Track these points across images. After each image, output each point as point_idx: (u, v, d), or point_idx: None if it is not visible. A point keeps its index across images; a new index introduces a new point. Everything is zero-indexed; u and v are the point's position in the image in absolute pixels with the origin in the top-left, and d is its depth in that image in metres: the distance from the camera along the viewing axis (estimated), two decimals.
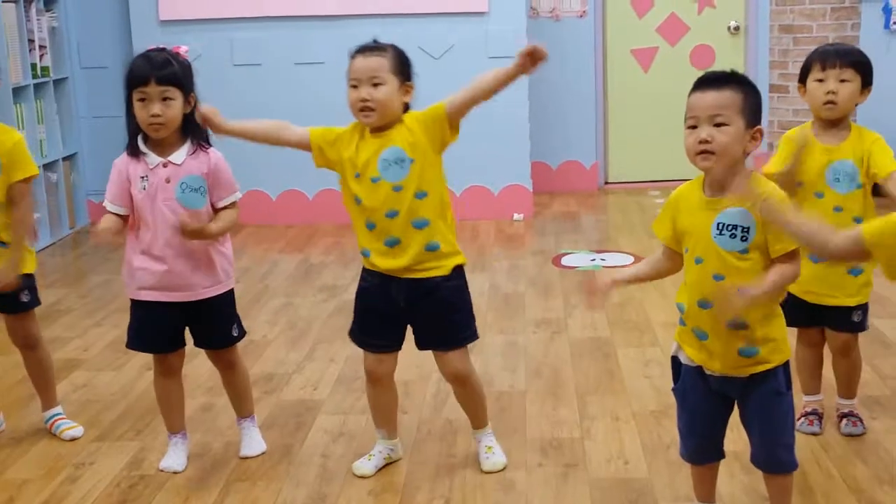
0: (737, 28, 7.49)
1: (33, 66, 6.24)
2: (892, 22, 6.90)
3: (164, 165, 2.99)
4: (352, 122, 3.00)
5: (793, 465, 2.54)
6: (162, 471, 3.16)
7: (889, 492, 2.89)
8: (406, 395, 3.71)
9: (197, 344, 3.19)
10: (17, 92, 5.97)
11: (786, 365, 2.45)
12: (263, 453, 3.25)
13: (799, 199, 2.88)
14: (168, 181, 2.98)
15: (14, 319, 3.37)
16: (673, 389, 2.58)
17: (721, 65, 7.39)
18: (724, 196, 2.35)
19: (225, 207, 3.06)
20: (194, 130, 3.02)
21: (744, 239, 2.33)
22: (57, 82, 6.56)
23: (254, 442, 3.27)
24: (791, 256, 2.33)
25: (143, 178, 2.99)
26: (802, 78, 3.12)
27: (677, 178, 8.17)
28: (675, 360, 2.55)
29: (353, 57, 2.97)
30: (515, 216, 6.56)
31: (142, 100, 2.93)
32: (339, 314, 4.72)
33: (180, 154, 3.00)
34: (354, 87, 2.93)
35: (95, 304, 5.04)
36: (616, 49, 7.53)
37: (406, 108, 2.98)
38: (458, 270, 2.98)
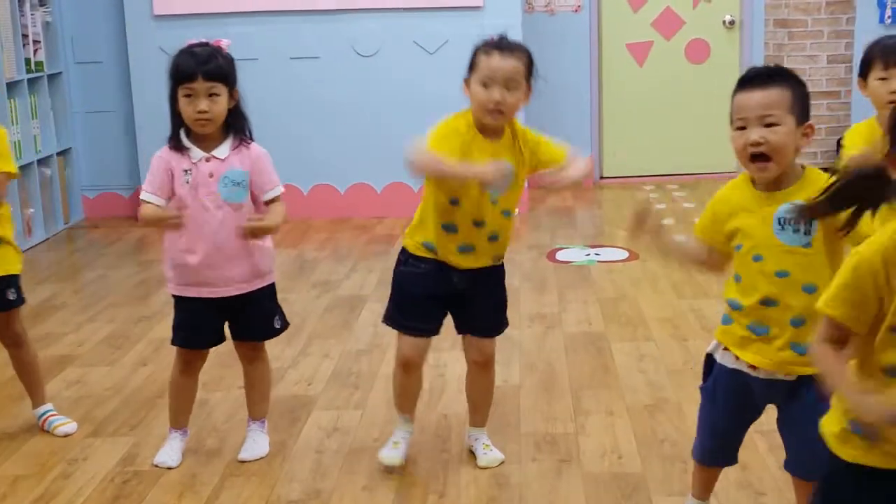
0: (732, 22, 7.49)
1: (27, 60, 6.23)
2: (886, 16, 6.91)
3: (208, 160, 2.98)
4: (446, 117, 2.87)
5: None
6: (156, 466, 3.15)
7: None
8: None
9: (236, 337, 3.17)
10: (11, 87, 5.96)
11: None
12: (262, 458, 3.22)
13: None
14: (211, 176, 2.98)
15: (0, 318, 3.36)
16: (701, 388, 2.50)
17: (716, 59, 7.42)
18: (780, 191, 2.27)
19: (269, 201, 3.07)
20: (237, 125, 3.03)
21: (807, 233, 2.25)
22: (51, 77, 6.54)
23: (257, 446, 3.23)
24: None
25: (186, 171, 2.98)
26: (863, 73, 3.04)
27: (672, 173, 8.23)
28: (709, 358, 2.46)
29: (487, 53, 2.80)
30: None
31: (188, 95, 2.92)
32: (333, 310, 4.72)
33: (223, 149, 3.00)
34: (486, 85, 2.79)
35: (89, 299, 5.04)
36: (611, 43, 7.53)
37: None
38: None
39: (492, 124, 2.84)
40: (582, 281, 5.06)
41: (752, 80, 2.27)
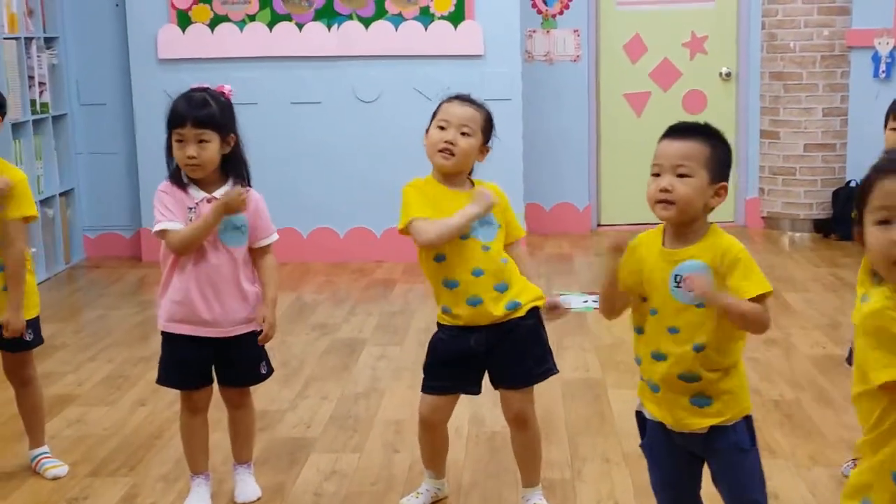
0: (728, 74, 7.59)
1: (32, 102, 6.30)
2: (881, 70, 7.01)
3: (208, 201, 2.99)
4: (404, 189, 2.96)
5: None
6: None
7: None
8: (398, 433, 3.73)
9: (222, 382, 3.14)
10: (17, 128, 6.02)
11: (747, 419, 2.34)
12: (259, 499, 3.22)
13: None
14: None
15: (13, 357, 3.37)
16: (641, 445, 2.47)
17: (713, 110, 7.50)
18: (682, 248, 2.30)
19: (261, 248, 3.09)
20: (236, 170, 3.05)
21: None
22: (56, 118, 6.61)
23: (249, 488, 3.22)
24: (761, 300, 2.23)
25: (190, 209, 2.99)
26: (887, 123, 3.16)
27: None
28: (639, 416, 2.45)
29: (448, 101, 2.96)
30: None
31: (179, 141, 2.96)
32: (331, 352, 4.74)
33: (223, 192, 3.01)
34: (441, 128, 2.91)
35: (90, 339, 5.06)
36: (609, 93, 7.62)
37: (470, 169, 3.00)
38: (533, 311, 3.00)
39: (442, 165, 2.90)
40: (579, 327, 5.09)
41: (676, 131, 2.34)
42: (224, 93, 3.07)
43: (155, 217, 3.01)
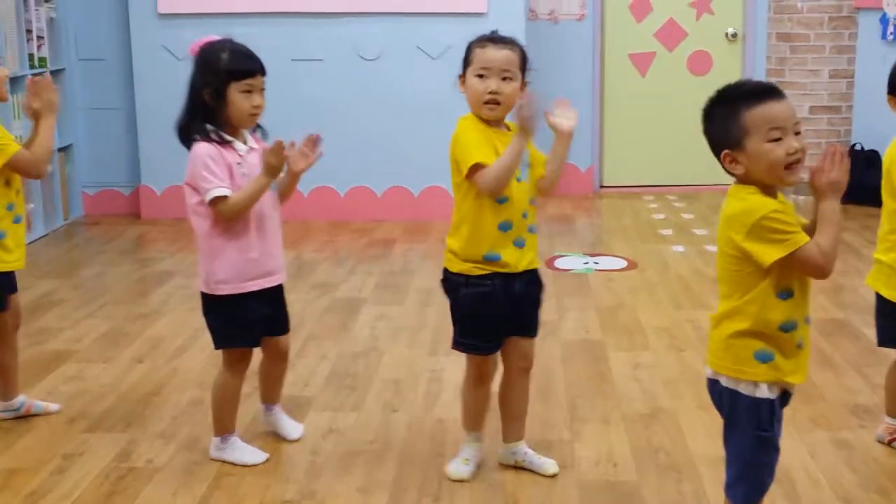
0: (734, 35, 7.51)
1: (31, 56, 6.23)
2: (889, 32, 6.93)
3: (250, 151, 3.05)
4: (459, 124, 2.89)
5: None
6: (250, 465, 3.13)
7: (877, 500, 2.90)
8: (397, 393, 3.72)
9: (274, 332, 3.21)
10: (14, 82, 5.95)
11: None
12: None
13: None
14: (257, 166, 3.03)
15: None
16: (767, 436, 2.30)
17: (719, 71, 7.44)
18: None
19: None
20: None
21: None
22: (54, 73, 6.54)
23: (293, 424, 3.36)
24: None
25: (238, 164, 3.01)
26: (892, 90, 3.08)
27: (672, 184, 8.26)
28: (770, 404, 2.28)
29: (481, 46, 2.85)
30: None
31: (247, 91, 2.97)
32: (331, 311, 4.72)
33: (251, 140, 3.08)
34: (481, 77, 2.82)
35: (88, 295, 5.04)
36: (614, 53, 7.54)
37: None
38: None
39: (489, 116, 2.85)
40: (580, 289, 5.06)
41: (769, 91, 2.22)
42: None
43: (202, 185, 2.94)
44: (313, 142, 3.09)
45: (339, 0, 6.53)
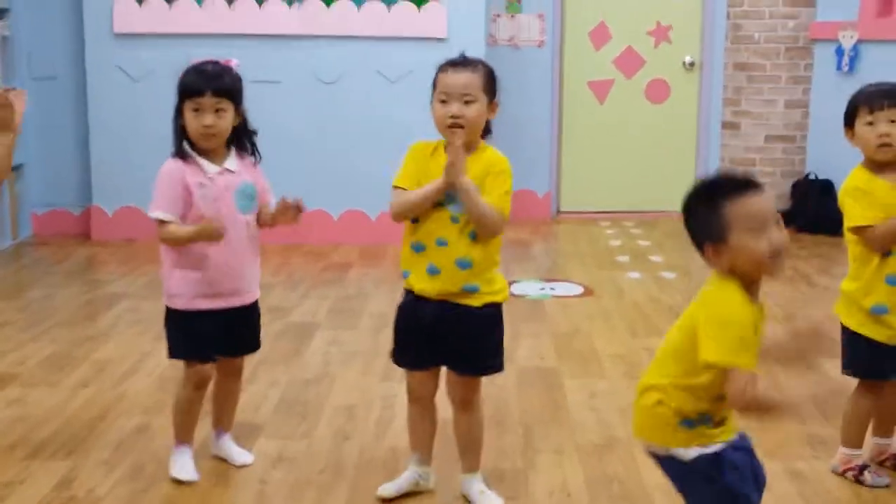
0: (692, 64, 7.56)
1: None
2: (843, 63, 7.00)
3: (221, 173, 3.03)
4: (413, 143, 2.93)
5: None
6: (179, 481, 3.11)
7: None
8: (349, 419, 3.66)
9: (231, 352, 3.19)
10: None
11: None
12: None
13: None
14: (227, 189, 3.03)
15: None
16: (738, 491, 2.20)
17: (676, 99, 7.49)
18: None
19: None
20: (240, 142, 3.12)
21: None
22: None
23: (242, 452, 3.32)
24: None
25: (202, 185, 3.00)
26: (849, 122, 3.09)
27: (629, 210, 8.26)
28: (716, 456, 2.21)
29: (443, 71, 2.84)
30: None
31: (196, 110, 2.97)
32: (282, 337, 4.65)
33: (232, 162, 3.07)
34: (443, 101, 2.81)
35: (34, 317, 4.92)
36: (573, 80, 7.57)
37: (488, 127, 2.89)
38: (493, 305, 2.91)
39: (453, 140, 2.81)
40: (536, 315, 5.03)
41: (749, 185, 2.20)
42: (232, 67, 3.13)
43: (153, 198, 3.01)
44: (296, 206, 3.10)
45: (299, 22, 6.49)
